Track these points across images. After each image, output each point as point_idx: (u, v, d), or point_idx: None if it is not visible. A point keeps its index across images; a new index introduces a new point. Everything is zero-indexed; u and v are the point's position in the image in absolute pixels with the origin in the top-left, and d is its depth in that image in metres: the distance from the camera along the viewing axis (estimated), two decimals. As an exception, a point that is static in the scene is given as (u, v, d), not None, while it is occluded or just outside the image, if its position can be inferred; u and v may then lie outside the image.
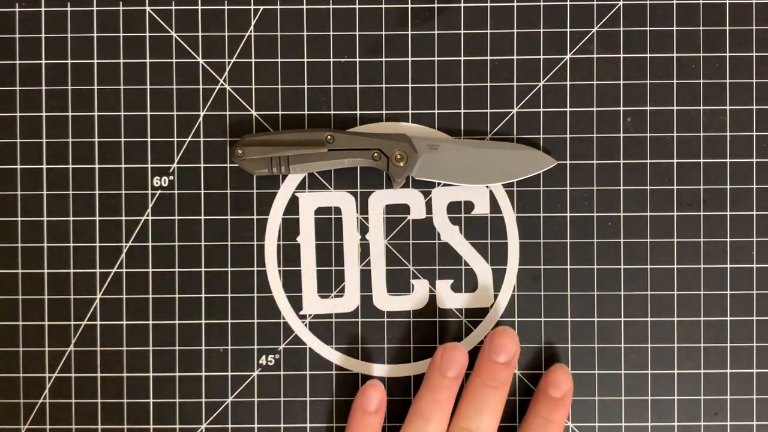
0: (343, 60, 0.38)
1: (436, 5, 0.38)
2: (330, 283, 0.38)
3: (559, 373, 0.37)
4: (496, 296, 0.38)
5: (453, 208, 0.38)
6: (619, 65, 0.38)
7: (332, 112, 0.38)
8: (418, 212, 0.38)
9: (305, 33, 0.38)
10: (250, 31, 0.38)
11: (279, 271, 0.38)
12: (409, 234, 0.38)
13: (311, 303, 0.38)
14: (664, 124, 0.38)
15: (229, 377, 0.38)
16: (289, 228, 0.38)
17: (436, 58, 0.38)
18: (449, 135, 0.38)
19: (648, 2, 0.38)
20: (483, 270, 0.38)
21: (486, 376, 0.36)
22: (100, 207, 0.38)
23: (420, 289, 0.38)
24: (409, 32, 0.38)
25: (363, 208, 0.38)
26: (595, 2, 0.38)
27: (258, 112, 0.38)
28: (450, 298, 0.38)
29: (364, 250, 0.38)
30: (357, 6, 0.38)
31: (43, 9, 0.38)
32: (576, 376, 0.38)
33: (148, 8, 0.38)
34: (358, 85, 0.38)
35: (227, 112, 0.38)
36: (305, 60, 0.38)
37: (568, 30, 0.38)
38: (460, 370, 0.36)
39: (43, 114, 0.38)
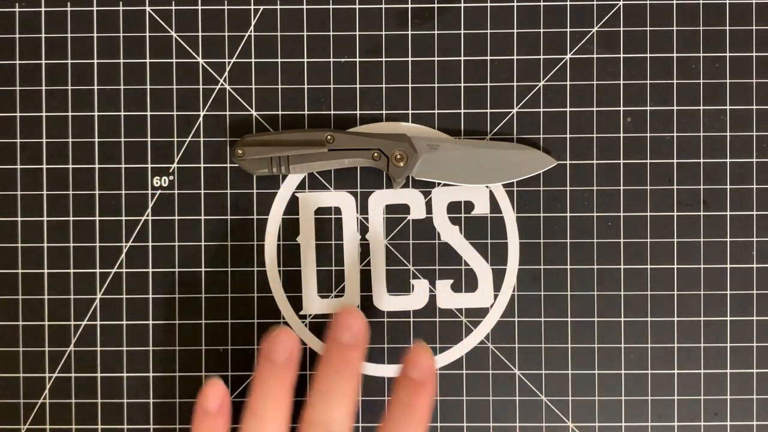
0: (343, 60, 0.38)
1: (436, 5, 0.38)
2: (330, 283, 0.38)
3: (418, 353, 0.33)
4: (496, 296, 0.38)
5: (453, 208, 0.38)
6: (619, 65, 0.38)
7: (332, 112, 0.38)
8: (418, 212, 0.38)
9: (305, 33, 0.38)
10: (250, 31, 0.38)
11: (279, 271, 0.38)
12: (409, 234, 0.38)
13: (311, 303, 0.38)
14: (664, 124, 0.38)
15: (229, 377, 0.38)
16: (289, 228, 0.38)
17: (436, 58, 0.38)
18: (449, 135, 0.38)
19: (648, 2, 0.38)
20: (483, 270, 0.38)
21: (332, 360, 0.32)
22: (100, 207, 0.38)
23: (420, 289, 0.38)
24: (409, 32, 0.38)
25: (363, 208, 0.38)
26: (595, 2, 0.38)
27: (258, 112, 0.38)
28: (450, 298, 0.38)
29: (364, 250, 0.38)
30: (357, 6, 0.38)
31: (43, 9, 0.38)
32: (576, 376, 0.38)
33: (148, 8, 0.38)
34: (358, 85, 0.38)
35: (227, 112, 0.38)
36: (305, 60, 0.38)
37: (568, 30, 0.38)
38: (289, 354, 0.32)
39: (43, 114, 0.38)
